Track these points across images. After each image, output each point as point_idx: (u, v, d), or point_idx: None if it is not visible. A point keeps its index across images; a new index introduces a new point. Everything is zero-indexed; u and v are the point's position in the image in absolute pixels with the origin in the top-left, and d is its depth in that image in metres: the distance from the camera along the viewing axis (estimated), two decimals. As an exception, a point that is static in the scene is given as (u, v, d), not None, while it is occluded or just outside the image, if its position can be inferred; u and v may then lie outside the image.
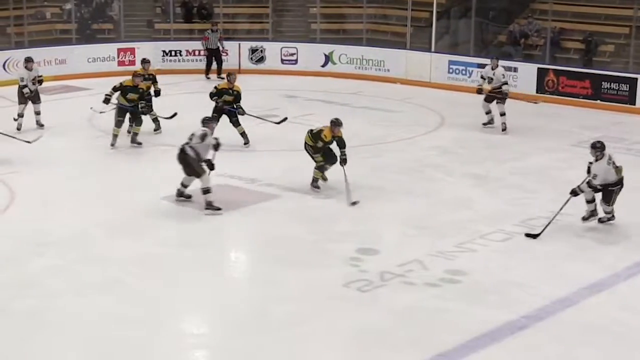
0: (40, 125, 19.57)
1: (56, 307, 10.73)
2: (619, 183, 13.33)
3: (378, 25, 28.85)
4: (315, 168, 15.20)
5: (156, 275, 11.71)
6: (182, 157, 14.34)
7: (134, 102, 18.22)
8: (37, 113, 19.67)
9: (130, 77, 18.47)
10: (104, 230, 13.33)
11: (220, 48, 26.87)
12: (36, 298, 10.96)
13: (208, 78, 26.42)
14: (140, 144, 18.41)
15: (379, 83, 25.97)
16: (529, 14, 26.35)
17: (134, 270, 11.84)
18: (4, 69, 25.33)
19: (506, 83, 20.13)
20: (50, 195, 15.14)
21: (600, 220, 13.67)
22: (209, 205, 14.09)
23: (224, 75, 21.53)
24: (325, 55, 27.56)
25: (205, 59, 27.10)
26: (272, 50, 27.97)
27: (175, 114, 19.19)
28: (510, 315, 10.52)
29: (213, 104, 18.08)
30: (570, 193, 13.33)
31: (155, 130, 19.58)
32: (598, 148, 13.24)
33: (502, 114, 19.98)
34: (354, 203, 14.41)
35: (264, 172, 16.26)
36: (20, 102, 19.63)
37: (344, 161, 14.84)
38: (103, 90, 20.90)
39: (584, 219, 13.60)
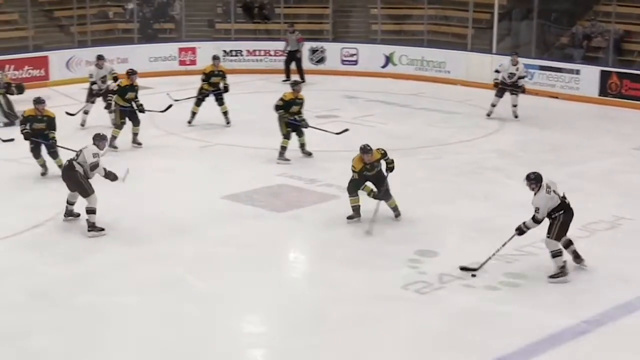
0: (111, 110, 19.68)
1: (116, 304, 10.80)
2: (560, 209, 11.80)
3: (439, 27, 28.72)
4: (352, 207, 13.79)
5: (215, 275, 11.75)
6: (69, 174, 13.42)
7: (131, 100, 18.37)
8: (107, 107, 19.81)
9: (125, 77, 18.66)
10: (164, 228, 13.41)
11: (298, 50, 26.55)
12: (96, 294, 11.06)
13: (285, 81, 25.87)
14: (140, 144, 18.50)
15: (439, 84, 25.89)
16: (592, 16, 26.07)
17: (193, 269, 11.89)
18: (68, 67, 25.63)
19: (524, 77, 21.36)
20: (111, 192, 15.24)
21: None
22: (92, 227, 13.08)
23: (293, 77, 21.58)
24: (385, 56, 27.53)
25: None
26: (333, 50, 28.00)
27: (170, 106, 19.38)
28: (571, 320, 10.41)
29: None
30: (516, 230, 11.94)
31: (227, 123, 20.01)
32: (532, 180, 11.79)
33: (515, 105, 21.18)
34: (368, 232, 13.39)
35: (324, 173, 16.26)
36: (87, 100, 19.83)
37: (391, 169, 13.70)
38: (164, 89, 21.19)
39: (551, 276, 11.71)
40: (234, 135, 19.08)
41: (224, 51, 27.74)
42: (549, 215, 11.79)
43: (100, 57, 20.23)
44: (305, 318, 10.56)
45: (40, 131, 15.79)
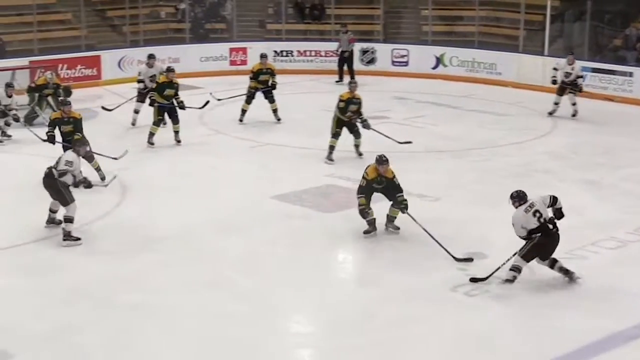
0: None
1: (163, 303, 10.84)
2: (538, 231, 11.41)
3: (490, 28, 28.57)
4: (359, 211, 13.27)
5: (263, 274, 11.76)
6: (49, 182, 13.10)
7: (171, 97, 18.42)
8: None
9: (165, 74, 18.70)
10: (212, 227, 13.46)
11: (349, 50, 26.43)
12: (144, 293, 11.11)
13: (337, 82, 25.97)
14: (179, 142, 18.60)
15: (490, 86, 25.78)
16: (646, 17, 25.82)
17: (240, 268, 11.91)
18: (119, 67, 25.82)
19: (582, 77, 21.59)
20: (161, 190, 15.36)
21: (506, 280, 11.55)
22: (68, 236, 12.80)
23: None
24: (436, 57, 27.45)
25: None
26: (383, 51, 27.97)
27: (207, 102, 19.48)
28: (621, 325, 10.29)
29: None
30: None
31: (278, 120, 20.27)
32: (514, 198, 11.67)
33: (574, 104, 21.46)
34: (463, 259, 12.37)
35: (374, 174, 16.23)
36: (137, 99, 19.99)
37: (404, 207, 13.07)
38: (214, 89, 21.26)
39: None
40: (283, 135, 19.10)
41: (275, 51, 27.84)
42: (528, 234, 11.40)
43: (151, 56, 20.38)
44: (352, 318, 10.54)
45: (67, 134, 15.53)
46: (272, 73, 20.64)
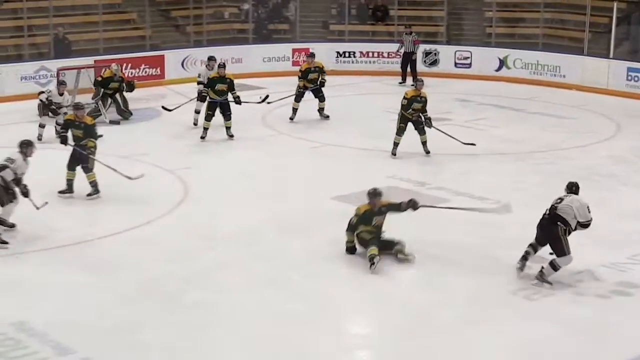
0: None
1: (224, 302, 10.91)
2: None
3: (555, 30, 28.31)
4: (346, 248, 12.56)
5: (323, 275, 11.78)
6: None
7: (224, 92, 18.55)
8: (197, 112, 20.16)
9: (215, 70, 18.83)
10: (274, 227, 13.51)
11: (414, 52, 26.38)
12: (206, 292, 11.19)
13: (400, 84, 25.94)
14: (232, 136, 18.81)
15: (554, 89, 25.54)
16: None
17: (301, 268, 11.94)
18: (183, 67, 26.01)
19: None
20: (223, 190, 15.45)
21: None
22: None
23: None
24: (499, 59, 27.26)
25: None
26: (446, 53, 27.85)
27: (267, 96, 19.69)
28: (685, 332, 10.18)
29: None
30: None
31: (326, 117, 20.45)
32: (567, 186, 11.86)
33: None
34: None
35: (434, 175, 16.21)
36: (198, 99, 20.14)
37: (413, 206, 12.57)
38: (277, 90, 21.34)
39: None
40: (344, 136, 19.10)
41: (337, 52, 27.90)
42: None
43: (211, 58, 20.58)
44: (411, 321, 10.52)
45: (77, 138, 14.94)
46: (320, 71, 20.77)
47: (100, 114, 20.13)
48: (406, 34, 26.44)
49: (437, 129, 17.57)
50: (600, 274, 11.74)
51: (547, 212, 11.66)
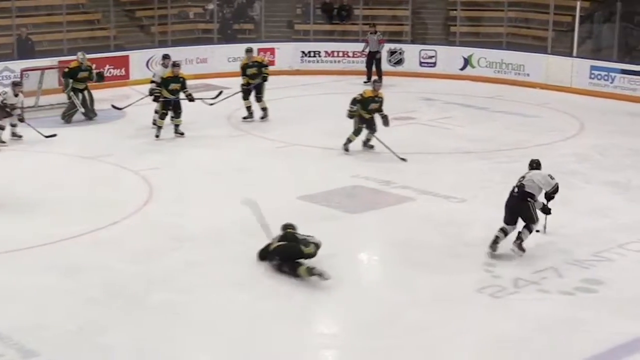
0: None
1: (190, 302, 10.88)
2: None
3: (519, 29, 28.49)
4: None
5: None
6: None
7: (177, 91, 18.70)
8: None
9: (168, 70, 18.89)
10: (240, 227, 13.45)
11: (379, 51, 26.35)
12: (171, 292, 11.15)
13: (365, 83, 25.62)
14: (182, 134, 18.93)
15: (518, 87, 25.67)
16: (677, 18, 25.68)
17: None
18: (148, 67, 25.92)
19: None
20: (189, 190, 15.41)
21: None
22: None
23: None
24: (464, 58, 27.37)
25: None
26: (411, 52, 27.92)
27: (220, 92, 19.87)
28: (648, 328, 10.27)
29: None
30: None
31: (260, 117, 20.43)
32: (530, 163, 13.02)
33: None
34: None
35: (400, 174, 16.23)
36: (153, 99, 20.13)
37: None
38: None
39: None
40: (309, 136, 19.10)
41: (302, 52, 27.90)
42: None
43: (166, 57, 20.64)
44: (377, 320, 10.53)
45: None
46: (260, 65, 20.77)
47: (76, 109, 20.08)
48: (371, 33, 26.44)
49: (378, 140, 17.54)
50: (564, 271, 11.83)
51: (515, 191, 12.46)
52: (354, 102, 17.63)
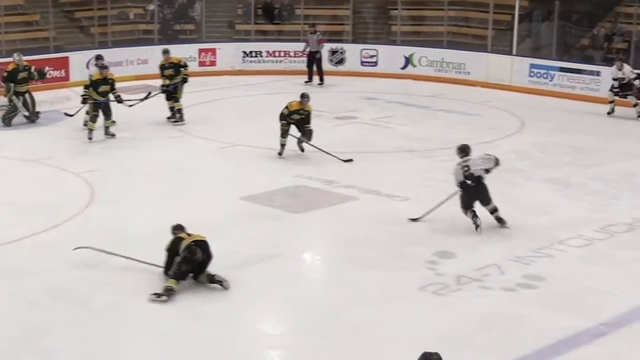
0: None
1: (135, 305, 10.82)
2: (461, 187, 13.43)
3: (459, 28, 28.70)
4: None
5: (234, 276, 11.72)
6: None
7: (106, 93, 18.72)
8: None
9: (98, 71, 18.88)
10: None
11: (319, 51, 26.27)
12: (115, 295, 11.09)
13: (306, 83, 26.01)
14: (113, 135, 18.87)
15: (459, 86, 25.85)
16: (614, 17, 25.99)
17: (211, 269, 11.86)
18: (88, 68, 25.66)
19: (636, 78, 21.72)
20: (131, 192, 15.32)
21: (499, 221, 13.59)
22: None
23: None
24: (405, 57, 27.50)
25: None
26: (352, 52, 27.99)
27: (149, 93, 19.91)
28: (589, 323, 10.36)
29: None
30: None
31: (174, 121, 20.38)
32: (457, 150, 13.76)
33: (635, 105, 21.69)
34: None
35: (343, 174, 16.26)
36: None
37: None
38: (183, 90, 21.20)
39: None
40: (251, 136, 19.08)
41: (244, 52, 27.85)
42: (460, 185, 13.45)
43: (99, 57, 20.64)
44: (322, 319, 10.55)
45: None
46: (177, 66, 20.69)
47: (16, 112, 19.88)
48: (311, 33, 26.44)
49: (314, 146, 17.47)
50: (505, 268, 11.93)
51: (470, 182, 13.32)
52: (281, 118, 17.39)
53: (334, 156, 17.21)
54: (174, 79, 20.54)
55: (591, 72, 23.61)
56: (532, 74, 25.05)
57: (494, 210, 13.52)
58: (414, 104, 23.40)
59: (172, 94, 20.54)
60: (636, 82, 21.53)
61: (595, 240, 13.10)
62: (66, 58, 25.73)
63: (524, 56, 25.72)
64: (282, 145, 17.47)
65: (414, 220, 13.66)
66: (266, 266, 12.11)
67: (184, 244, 11.38)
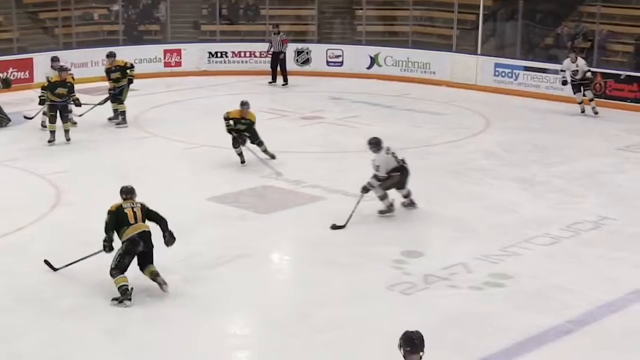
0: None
1: (101, 307, 10.76)
2: (400, 169, 14.01)
3: (424, 28, 28.76)
4: None
5: (200, 276, 11.72)
6: None
7: (64, 96, 18.56)
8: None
9: (57, 73, 18.89)
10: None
11: (282, 51, 26.09)
12: (81, 297, 11.04)
13: (270, 83, 26.01)
14: (69, 140, 18.70)
15: (425, 85, 25.90)
16: (577, 16, 26.15)
17: (177, 270, 11.84)
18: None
19: (590, 71, 21.93)
20: (96, 193, 15.19)
21: (404, 205, 14.36)
22: None
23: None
24: (370, 57, 27.52)
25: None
26: (318, 52, 27.97)
27: (107, 98, 20.07)
28: (555, 320, 10.42)
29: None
30: (361, 190, 13.81)
31: (116, 123, 20.26)
32: (373, 144, 14.10)
33: (591, 100, 21.88)
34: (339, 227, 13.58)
35: (309, 174, 16.25)
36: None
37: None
38: (149, 91, 21.14)
39: (381, 212, 14.07)
40: (218, 137, 19.00)
41: (209, 52, 27.75)
42: (387, 174, 13.82)
43: (54, 59, 20.63)
44: (290, 319, 10.55)
45: None
46: (122, 69, 20.52)
47: None
48: (274, 33, 26.34)
49: (251, 151, 17.32)
50: (473, 267, 11.97)
51: (405, 167, 14.14)
52: (225, 119, 17.25)
53: (261, 157, 17.21)
54: (120, 81, 20.41)
55: (555, 71, 23.68)
56: (497, 73, 25.15)
57: (408, 194, 14.24)
58: (379, 103, 23.43)
59: (117, 95, 20.43)
60: (588, 74, 21.73)
61: (561, 238, 13.17)
62: (30, 59, 25.51)
63: (488, 55, 25.82)
64: (239, 154, 17.20)
65: (339, 227, 13.46)
66: (234, 267, 12.09)
67: (128, 232, 11.22)
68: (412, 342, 7.22)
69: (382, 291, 11.27)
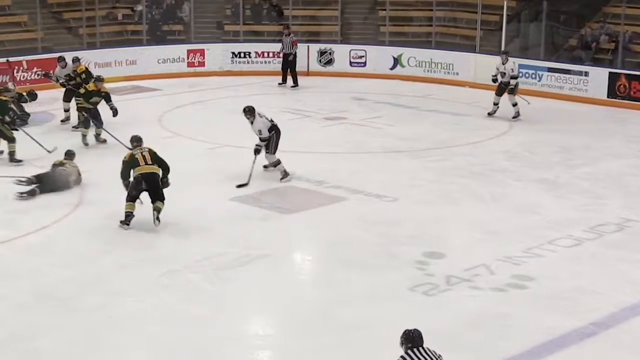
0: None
1: (122, 306, 10.81)
2: (274, 128, 15.87)
3: (447, 28, 28.70)
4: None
5: (223, 276, 11.74)
6: None
7: (96, 104, 18.87)
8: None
9: (94, 82, 18.93)
10: (172, 229, 13.40)
11: (292, 53, 25.87)
12: (103, 296, 11.07)
13: (280, 84, 25.92)
14: (87, 144, 18.73)
15: (448, 86, 25.85)
16: (601, 17, 26.04)
17: (200, 270, 11.88)
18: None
19: (515, 77, 21.61)
20: (119, 193, 15.24)
21: (265, 167, 16.14)
22: None
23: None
24: (394, 58, 27.49)
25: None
26: (341, 52, 27.95)
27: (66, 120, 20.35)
28: (578, 323, 10.39)
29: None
30: (254, 152, 15.79)
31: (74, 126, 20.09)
32: (247, 112, 15.83)
33: (514, 104, 21.49)
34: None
35: (332, 174, 16.24)
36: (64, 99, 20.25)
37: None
38: (172, 91, 21.17)
39: (282, 179, 15.83)
40: (242, 137, 19.03)
41: (232, 53, 27.77)
42: (268, 133, 15.62)
43: (61, 59, 20.84)
44: (312, 320, 10.55)
45: None
46: (82, 76, 20.32)
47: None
48: (285, 35, 26.23)
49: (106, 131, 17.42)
50: (495, 268, 11.94)
51: (276, 125, 15.96)
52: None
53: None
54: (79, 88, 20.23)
55: (579, 73, 23.63)
56: (520, 74, 25.01)
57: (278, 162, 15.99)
58: (402, 104, 23.41)
59: (69, 95, 20.48)
60: (512, 81, 21.39)
61: (584, 240, 13.12)
62: (54, 59, 25.56)
63: (512, 56, 25.68)
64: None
65: (242, 185, 15.35)
66: (256, 267, 12.10)
67: (136, 171, 13.45)
68: (412, 340, 7.91)
69: (404, 292, 11.26)
